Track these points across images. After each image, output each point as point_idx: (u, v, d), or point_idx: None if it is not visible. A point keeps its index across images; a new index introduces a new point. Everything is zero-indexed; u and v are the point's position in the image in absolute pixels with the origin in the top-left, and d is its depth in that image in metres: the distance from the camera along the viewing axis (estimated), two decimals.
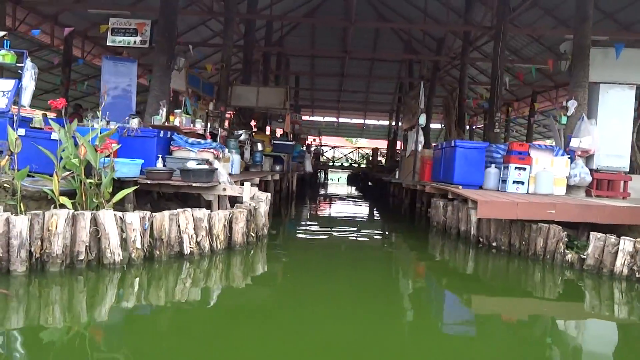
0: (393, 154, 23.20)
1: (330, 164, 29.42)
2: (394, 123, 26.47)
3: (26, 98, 7.96)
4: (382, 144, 30.20)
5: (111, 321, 4.16)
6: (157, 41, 10.62)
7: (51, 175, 6.15)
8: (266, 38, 19.61)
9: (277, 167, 13.22)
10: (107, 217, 5.37)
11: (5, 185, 6.54)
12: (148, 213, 5.80)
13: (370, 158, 26.03)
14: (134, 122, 9.99)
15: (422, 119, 11.18)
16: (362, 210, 14.31)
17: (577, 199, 8.18)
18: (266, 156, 12.99)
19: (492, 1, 13.99)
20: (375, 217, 12.93)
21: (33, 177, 6.54)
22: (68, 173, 6.50)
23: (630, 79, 9.68)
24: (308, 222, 11.20)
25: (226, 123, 14.07)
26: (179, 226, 5.98)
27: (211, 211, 6.66)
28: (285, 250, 7.88)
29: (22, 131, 7.58)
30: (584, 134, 9.21)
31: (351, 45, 21.35)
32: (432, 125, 19.41)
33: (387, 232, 10.56)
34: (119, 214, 5.55)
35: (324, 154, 29.60)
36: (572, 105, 9.52)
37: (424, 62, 20.80)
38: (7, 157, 6.47)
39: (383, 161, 25.55)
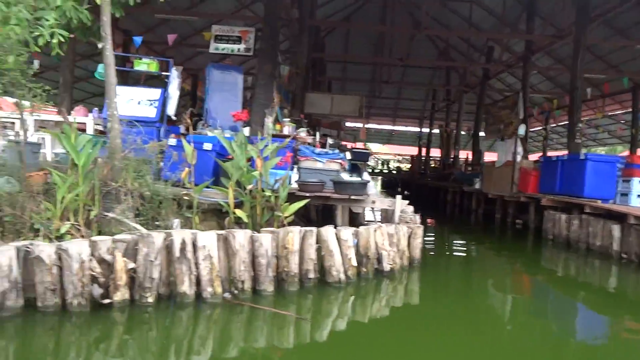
0: (446, 161, 22.61)
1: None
2: (425, 129, 26.66)
3: (172, 107, 7.79)
4: (405, 150, 30.40)
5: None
6: (261, 49, 10.49)
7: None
8: (314, 44, 19.53)
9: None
10: (330, 234, 5.28)
11: (185, 198, 6.39)
12: (354, 229, 5.72)
13: (410, 164, 26.15)
14: (245, 131, 9.86)
15: (522, 130, 11.27)
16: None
17: None
18: None
19: (555, 14, 14.21)
20: (447, 226, 12.95)
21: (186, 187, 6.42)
22: (251, 185, 6.37)
23: None
24: None
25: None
26: (376, 242, 5.91)
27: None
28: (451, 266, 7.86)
29: (173, 141, 7.40)
30: None
31: (385, 52, 21.45)
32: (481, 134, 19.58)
33: (484, 245, 10.58)
34: (335, 230, 5.46)
35: None
36: None
37: (468, 70, 20.99)
38: (187, 169, 6.31)
39: (420, 166, 25.43)
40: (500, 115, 13.45)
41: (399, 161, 29.58)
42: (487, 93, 21.86)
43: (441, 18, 20.51)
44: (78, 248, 3.84)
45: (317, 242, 5.25)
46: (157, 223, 6.25)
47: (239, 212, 6.27)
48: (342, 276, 5.25)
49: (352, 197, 7.25)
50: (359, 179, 7.58)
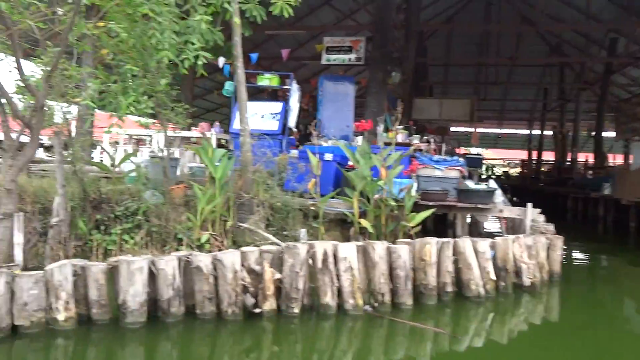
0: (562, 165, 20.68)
1: None
2: (535, 131, 24.97)
3: (292, 119, 8.02)
4: (512, 154, 28.70)
5: None
6: (372, 57, 10.45)
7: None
8: (417, 48, 19.17)
9: None
10: (468, 245, 5.03)
11: (312, 208, 6.50)
12: (491, 240, 5.40)
13: (520, 168, 24.69)
14: (358, 140, 9.86)
15: None
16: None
17: None
18: None
19: None
20: (572, 236, 11.79)
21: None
22: (378, 195, 6.31)
23: None
24: None
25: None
26: (514, 254, 5.52)
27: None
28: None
29: (295, 152, 7.62)
30: None
31: (491, 52, 20.36)
32: (605, 134, 17.86)
33: (623, 257, 9.49)
34: (472, 241, 5.19)
35: None
36: None
37: (586, 65, 19.31)
38: (313, 180, 6.41)
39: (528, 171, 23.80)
40: (636, 112, 12.13)
41: (506, 166, 27.96)
42: (609, 89, 19.95)
43: (553, 12, 19.10)
44: (231, 258, 4.01)
45: (453, 254, 5.03)
46: (284, 233, 6.42)
47: (363, 222, 6.23)
48: (481, 290, 4.97)
49: (479, 205, 6.90)
50: (484, 186, 7.20)
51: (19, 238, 4.82)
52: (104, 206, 6.40)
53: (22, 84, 4.77)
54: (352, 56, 10.36)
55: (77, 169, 6.13)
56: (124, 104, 4.84)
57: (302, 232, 6.38)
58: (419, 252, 4.81)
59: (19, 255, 4.80)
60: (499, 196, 7.37)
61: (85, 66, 6.59)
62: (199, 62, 5.10)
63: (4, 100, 4.72)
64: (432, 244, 4.81)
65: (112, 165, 6.55)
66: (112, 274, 3.79)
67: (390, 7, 10.60)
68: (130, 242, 6.13)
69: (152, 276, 3.85)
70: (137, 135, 10.37)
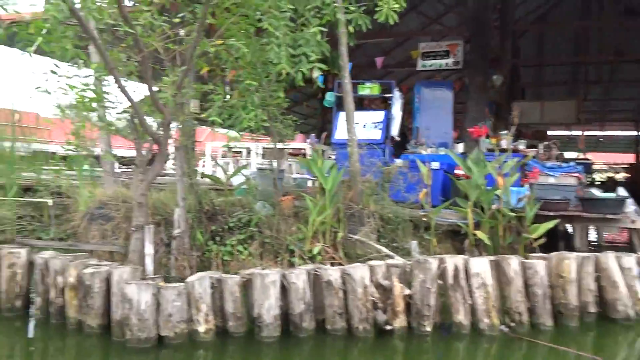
0: None
1: None
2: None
3: (395, 128, 7.86)
4: (616, 158, 26.37)
5: None
6: (470, 61, 10.01)
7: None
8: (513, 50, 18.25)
9: None
10: (611, 261, 4.53)
11: (424, 219, 6.27)
12: (636, 255, 4.84)
13: (629, 173, 22.67)
14: (459, 147, 9.46)
15: None
16: None
17: None
18: None
19: None
20: None
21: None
22: (495, 205, 5.95)
23: None
24: None
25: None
26: None
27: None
28: None
29: (399, 161, 7.44)
30: None
31: (592, 48, 18.86)
32: None
33: None
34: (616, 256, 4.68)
35: None
36: None
37: None
38: (424, 190, 6.18)
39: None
40: None
41: (611, 171, 25.74)
42: None
43: None
44: (361, 272, 3.90)
45: (595, 271, 4.56)
46: (394, 245, 6.24)
47: (479, 234, 5.88)
48: (630, 312, 4.44)
49: (607, 216, 6.28)
50: (613, 195, 6.56)
51: (149, 249, 5.04)
52: (218, 218, 6.61)
53: (148, 103, 5.04)
54: (450, 60, 9.99)
55: (192, 182, 6.37)
56: (245, 118, 4.92)
57: (414, 244, 6.15)
58: (557, 268, 4.41)
59: (149, 265, 5.02)
60: (631, 205, 6.67)
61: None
62: (315, 74, 5.08)
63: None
64: (571, 258, 4.40)
65: (225, 177, 6.74)
66: (246, 286, 3.82)
67: (486, 7, 10.13)
68: (244, 252, 6.25)
69: (284, 290, 3.83)
70: (236, 147, 10.70)
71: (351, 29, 5.55)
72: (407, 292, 4.03)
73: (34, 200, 6.82)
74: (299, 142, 10.32)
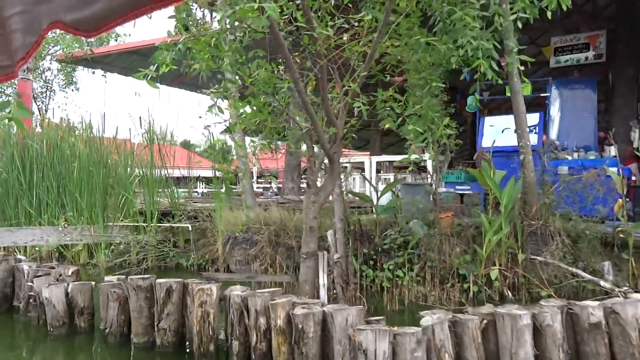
0: None
1: None
2: None
3: (554, 131, 6.97)
4: None
5: None
6: (616, 53, 8.86)
7: None
8: None
9: None
10: None
11: (621, 235, 5.33)
12: None
13: None
14: (611, 150, 8.33)
15: None
16: None
17: None
18: None
19: None
20: None
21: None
22: None
23: None
24: None
25: None
26: None
27: None
28: None
29: (564, 169, 6.53)
30: None
31: None
32: None
33: None
34: None
35: None
36: None
37: None
38: (619, 201, 5.24)
39: None
40: None
41: None
42: None
43: None
44: (632, 310, 3.08)
45: None
46: (582, 265, 5.33)
47: None
48: None
49: None
50: None
51: (324, 279, 4.50)
52: (368, 239, 6.02)
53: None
54: (590, 54, 8.89)
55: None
56: (412, 129, 4.26)
57: (606, 265, 5.23)
58: None
59: (324, 297, 4.47)
60: None
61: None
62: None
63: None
64: None
65: (375, 196, 6.13)
66: (486, 329, 3.13)
67: None
68: (405, 278, 5.59)
69: (535, 332, 3.10)
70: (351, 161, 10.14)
71: (535, 16, 4.75)
72: None
73: (174, 224, 6.56)
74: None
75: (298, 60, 4.16)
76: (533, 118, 6.78)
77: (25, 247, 6.79)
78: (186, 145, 28.75)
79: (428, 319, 2.99)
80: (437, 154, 5.77)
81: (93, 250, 6.62)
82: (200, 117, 5.43)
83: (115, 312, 3.84)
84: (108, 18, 1.13)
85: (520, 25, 4.20)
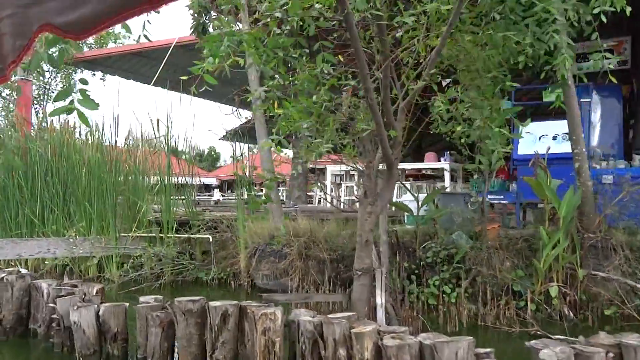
0: None
1: None
2: None
3: (595, 137, 6.68)
4: None
5: None
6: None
7: None
8: None
9: None
10: None
11: None
12: None
13: None
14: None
15: None
16: None
17: None
18: None
19: None
20: None
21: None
22: None
23: None
24: None
25: None
26: None
27: None
28: None
29: (608, 178, 6.22)
30: None
31: None
32: None
33: None
34: None
35: None
36: None
37: None
38: None
39: None
40: None
41: None
42: None
43: None
44: None
45: None
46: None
47: None
48: None
49: None
50: None
51: (381, 298, 4.05)
52: (407, 252, 5.60)
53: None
54: (613, 60, 8.70)
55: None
56: (497, 132, 3.88)
57: None
58: None
59: (381, 318, 4.03)
60: None
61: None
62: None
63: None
64: None
65: (417, 206, 5.71)
66: None
67: None
68: (452, 294, 5.17)
69: None
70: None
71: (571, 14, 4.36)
72: None
73: (192, 235, 6.04)
74: (430, 162, 9.17)
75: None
76: (562, 125, 6.47)
77: (26, 260, 6.18)
78: (175, 152, 28.07)
79: (549, 352, 2.56)
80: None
81: (103, 264, 6.05)
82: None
83: (158, 340, 3.33)
84: (98, 20, 1.13)
85: (604, 19, 3.83)
